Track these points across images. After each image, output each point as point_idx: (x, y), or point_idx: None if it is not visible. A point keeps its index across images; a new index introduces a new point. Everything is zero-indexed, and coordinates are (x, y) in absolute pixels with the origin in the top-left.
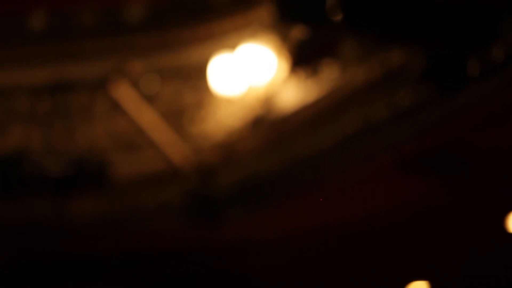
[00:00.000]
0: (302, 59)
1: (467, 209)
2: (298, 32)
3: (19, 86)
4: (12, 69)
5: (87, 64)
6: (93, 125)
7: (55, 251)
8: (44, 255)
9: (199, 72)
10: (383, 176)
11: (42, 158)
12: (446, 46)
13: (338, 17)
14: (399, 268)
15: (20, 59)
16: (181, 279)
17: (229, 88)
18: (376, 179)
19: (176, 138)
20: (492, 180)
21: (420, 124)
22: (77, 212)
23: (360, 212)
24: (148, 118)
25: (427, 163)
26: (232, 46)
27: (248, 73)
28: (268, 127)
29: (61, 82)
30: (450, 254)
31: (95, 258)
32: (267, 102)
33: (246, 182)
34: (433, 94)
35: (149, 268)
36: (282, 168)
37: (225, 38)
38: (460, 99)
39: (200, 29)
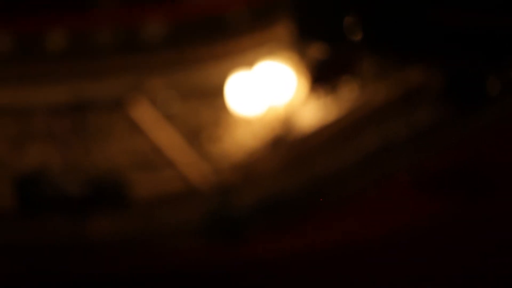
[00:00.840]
0: (321, 78)
1: (488, 228)
2: (317, 50)
3: (38, 105)
4: (31, 88)
5: (106, 83)
6: (111, 144)
7: (73, 271)
8: (62, 274)
9: (218, 90)
10: (402, 195)
11: (60, 177)
12: (465, 65)
13: (357, 36)
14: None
15: (39, 78)
16: None
17: (248, 106)
18: (396, 198)
19: (194, 157)
20: None
21: (439, 142)
22: (96, 231)
23: (379, 231)
24: (166, 137)
25: (447, 182)
26: (251, 64)
27: (266, 91)
28: (287, 145)
29: (79, 101)
30: (472, 276)
31: (113, 277)
32: (286, 120)
33: (266, 202)
34: (452, 112)
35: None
36: (302, 187)
37: (244, 56)
38: (480, 118)
39: (218, 47)
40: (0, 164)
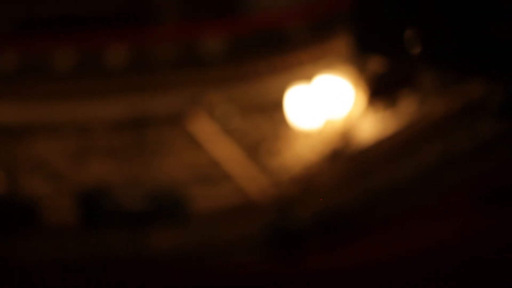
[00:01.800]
0: (380, 91)
1: None
2: (376, 64)
3: (98, 119)
4: (92, 103)
5: (166, 98)
6: (171, 159)
7: (134, 285)
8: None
9: (276, 104)
10: (463, 209)
11: (121, 192)
12: None
13: (417, 49)
14: None
15: (99, 93)
16: None
17: (307, 120)
18: (456, 213)
19: (253, 171)
20: None
21: (500, 156)
22: (156, 246)
23: (439, 246)
24: (225, 151)
25: (507, 196)
26: (309, 78)
27: (325, 105)
28: (345, 159)
29: (139, 116)
30: None
31: None
32: (345, 134)
33: (323, 215)
34: None
35: None
36: (360, 201)
37: (302, 70)
38: None
39: (276, 61)
40: (62, 179)
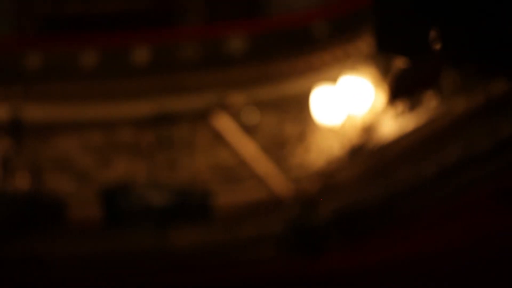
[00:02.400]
0: (402, 90)
1: None
2: (398, 63)
3: (123, 118)
4: (117, 102)
5: (190, 97)
6: (195, 157)
7: (158, 281)
8: (148, 285)
9: (299, 104)
10: (484, 206)
11: (146, 189)
12: None
13: (439, 48)
14: None
15: (124, 92)
16: None
17: (329, 119)
18: (477, 210)
19: (276, 169)
20: None
21: None
22: (180, 242)
23: (460, 243)
24: (249, 150)
25: None
26: (332, 78)
27: (348, 104)
28: (368, 157)
29: (164, 115)
30: None
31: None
32: (367, 132)
33: (345, 212)
34: None
35: None
36: (381, 198)
37: (325, 70)
38: None
39: (300, 61)
40: (87, 177)
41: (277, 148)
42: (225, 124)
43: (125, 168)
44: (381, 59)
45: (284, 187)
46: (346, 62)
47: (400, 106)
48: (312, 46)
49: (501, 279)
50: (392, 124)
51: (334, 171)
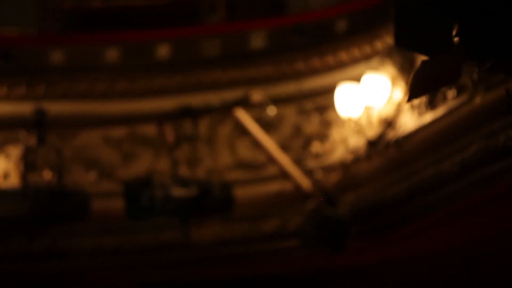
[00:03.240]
0: (421, 85)
1: None
2: (417, 59)
3: (146, 114)
4: (140, 98)
5: (211, 93)
6: (217, 152)
7: (181, 274)
8: (170, 278)
9: (320, 99)
10: (504, 201)
11: (168, 183)
12: None
13: (459, 44)
14: None
15: (147, 88)
16: None
17: (349, 114)
18: (498, 205)
19: (297, 163)
20: None
21: None
22: (202, 236)
23: (483, 237)
24: (270, 145)
25: None
26: (352, 74)
27: (367, 99)
28: (388, 153)
29: (186, 110)
30: None
31: (216, 281)
32: (387, 128)
33: (366, 207)
34: None
35: None
36: (401, 192)
37: (347, 67)
38: None
39: (322, 58)
40: (110, 171)
41: (298, 143)
42: (246, 119)
43: (148, 162)
44: (400, 55)
45: (305, 181)
46: (365, 58)
47: (420, 101)
48: (332, 42)
49: None
50: (413, 120)
51: (354, 165)
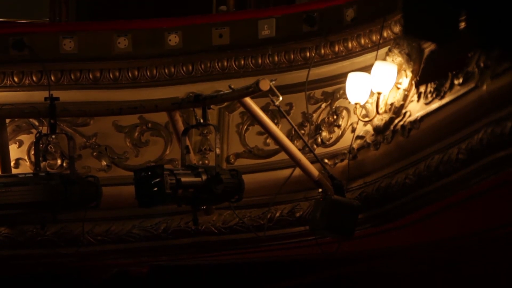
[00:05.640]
0: (430, 72)
1: None
2: (426, 46)
3: (157, 102)
4: (151, 87)
5: (220, 81)
6: (227, 140)
7: (190, 260)
8: (180, 263)
9: (330, 88)
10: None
11: (179, 170)
12: None
13: (467, 32)
14: None
15: (158, 77)
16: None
17: (359, 102)
18: (505, 191)
19: (306, 150)
20: None
21: None
22: (211, 221)
23: (491, 224)
24: (278, 132)
25: None
26: (363, 63)
27: (377, 88)
28: (395, 140)
29: (196, 99)
30: None
31: (226, 267)
32: (395, 115)
33: (374, 194)
34: None
35: (278, 276)
36: (409, 180)
37: (356, 55)
38: None
39: (331, 46)
40: (123, 158)
41: (306, 130)
42: (255, 107)
43: (158, 150)
44: (408, 43)
45: (313, 169)
46: (374, 46)
47: (427, 88)
48: (341, 30)
49: None
50: (419, 107)
51: (362, 153)
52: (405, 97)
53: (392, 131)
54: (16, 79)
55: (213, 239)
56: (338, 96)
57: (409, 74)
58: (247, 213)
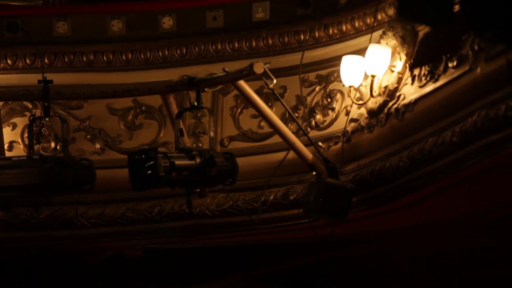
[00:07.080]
0: (423, 55)
1: None
2: (420, 29)
3: (150, 85)
4: (145, 69)
5: (214, 64)
6: (221, 122)
7: (184, 243)
8: (174, 246)
9: (324, 71)
10: (506, 170)
11: (172, 153)
12: None
13: (461, 14)
14: None
15: (151, 60)
16: (303, 271)
17: (353, 85)
18: (499, 174)
19: (300, 133)
20: None
21: None
22: (205, 205)
23: (485, 207)
24: (273, 115)
25: None
26: (357, 46)
27: (371, 71)
28: (389, 123)
29: (190, 81)
30: None
31: (219, 250)
32: (389, 98)
33: (368, 177)
34: None
35: (271, 259)
36: (403, 163)
37: (350, 38)
38: None
39: (325, 29)
40: (117, 141)
41: (300, 114)
42: (249, 90)
43: (152, 133)
44: (402, 26)
45: (307, 151)
46: (368, 29)
47: (421, 71)
48: (335, 13)
49: None
50: (413, 90)
51: (356, 135)
52: (399, 80)
53: (386, 114)
54: (9, 62)
55: (207, 222)
56: (332, 79)
57: (403, 57)
58: (241, 196)
